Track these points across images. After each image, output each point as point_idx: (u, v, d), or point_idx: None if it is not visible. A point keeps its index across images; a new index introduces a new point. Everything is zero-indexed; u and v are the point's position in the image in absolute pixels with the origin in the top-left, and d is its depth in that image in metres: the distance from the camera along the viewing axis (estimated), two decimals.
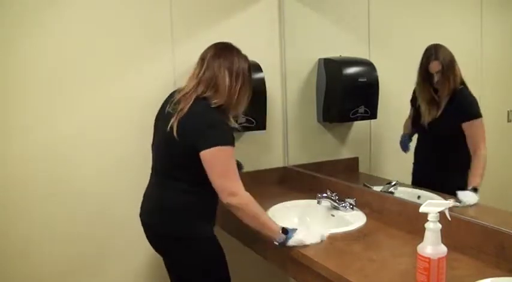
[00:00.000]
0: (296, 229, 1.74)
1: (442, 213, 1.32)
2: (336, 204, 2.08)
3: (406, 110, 2.38)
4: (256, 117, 2.37)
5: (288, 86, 2.63)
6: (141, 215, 1.90)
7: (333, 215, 2.09)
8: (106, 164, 2.26)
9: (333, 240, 1.78)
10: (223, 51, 1.82)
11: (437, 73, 1.98)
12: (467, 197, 1.80)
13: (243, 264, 2.59)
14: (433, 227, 1.30)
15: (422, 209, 1.32)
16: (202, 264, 1.82)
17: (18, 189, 2.13)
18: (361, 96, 2.47)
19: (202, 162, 1.68)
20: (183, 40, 2.34)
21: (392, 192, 2.08)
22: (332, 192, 2.12)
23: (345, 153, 2.67)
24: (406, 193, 2.05)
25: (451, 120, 1.97)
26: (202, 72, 1.78)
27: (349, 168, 2.61)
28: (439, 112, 2.02)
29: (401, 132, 2.35)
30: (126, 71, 2.26)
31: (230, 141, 1.71)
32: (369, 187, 2.20)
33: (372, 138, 2.62)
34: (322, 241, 1.73)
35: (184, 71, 2.33)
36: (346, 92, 2.50)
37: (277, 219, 1.92)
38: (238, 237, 2.28)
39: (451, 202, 1.36)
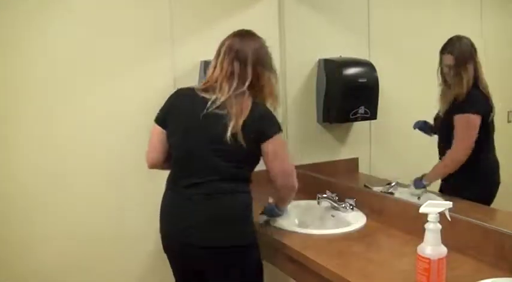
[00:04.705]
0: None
1: (442, 214, 1.32)
2: (336, 204, 2.08)
3: (407, 110, 2.39)
4: None
5: (288, 86, 2.63)
6: (173, 233, 1.72)
7: (333, 216, 2.09)
8: (106, 164, 2.26)
9: (333, 240, 1.78)
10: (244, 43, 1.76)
11: (449, 67, 1.95)
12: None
13: None
14: (433, 227, 1.30)
15: (422, 210, 1.32)
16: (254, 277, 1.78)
17: (19, 189, 2.13)
18: (361, 96, 2.47)
19: (267, 152, 1.68)
20: (183, 40, 2.34)
21: (392, 193, 2.08)
22: (332, 192, 2.12)
23: (345, 154, 2.67)
24: (406, 194, 2.04)
25: (449, 115, 1.96)
26: (238, 70, 1.70)
27: (349, 168, 2.60)
28: (445, 109, 2.01)
29: (401, 132, 2.35)
30: (125, 71, 2.26)
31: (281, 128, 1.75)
32: (369, 188, 2.20)
33: (371, 139, 2.62)
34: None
35: (184, 70, 2.35)
36: (346, 93, 2.49)
37: (278, 220, 1.93)
38: None
39: (450, 203, 1.35)
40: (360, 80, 2.45)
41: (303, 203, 2.19)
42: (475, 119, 1.88)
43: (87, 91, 2.21)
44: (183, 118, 1.73)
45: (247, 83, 1.68)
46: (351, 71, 2.50)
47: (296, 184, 1.77)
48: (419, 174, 2.08)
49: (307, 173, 2.51)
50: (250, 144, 1.65)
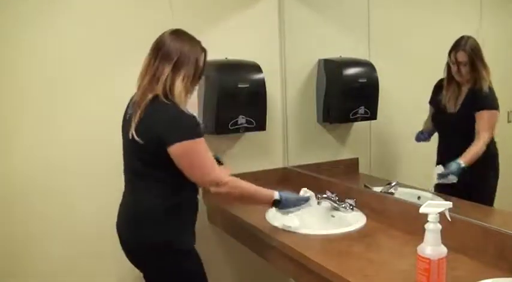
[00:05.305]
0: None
1: (442, 214, 1.32)
2: (336, 205, 2.08)
3: (407, 110, 2.39)
4: (256, 118, 2.37)
5: (288, 86, 2.63)
6: (118, 229, 1.80)
7: (333, 216, 2.08)
8: (106, 163, 2.26)
9: (333, 241, 1.78)
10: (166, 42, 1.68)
11: (463, 64, 1.96)
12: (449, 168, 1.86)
13: (243, 264, 2.59)
14: (433, 227, 1.30)
15: (422, 210, 1.32)
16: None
17: (19, 189, 2.14)
18: (361, 96, 2.47)
19: (173, 158, 1.60)
20: None
21: (392, 193, 2.08)
22: (332, 192, 2.12)
23: (345, 154, 2.67)
24: (406, 194, 2.04)
25: (469, 111, 1.96)
26: (152, 66, 1.67)
27: (349, 168, 2.60)
28: (459, 105, 2.02)
29: (400, 132, 2.34)
30: (125, 71, 2.25)
31: (197, 133, 1.62)
32: (369, 188, 2.20)
33: (371, 139, 2.62)
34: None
35: None
36: (346, 93, 2.50)
37: (278, 220, 1.93)
38: (238, 238, 2.28)
39: (450, 203, 1.35)
40: (360, 80, 2.45)
41: None
42: (498, 115, 1.94)
43: (87, 91, 2.21)
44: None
45: (152, 80, 1.64)
46: (351, 71, 2.50)
47: (225, 189, 1.65)
48: (419, 174, 2.08)
49: (307, 173, 2.52)
50: (154, 147, 1.61)
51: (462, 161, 1.88)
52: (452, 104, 2.04)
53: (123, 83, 2.24)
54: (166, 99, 1.62)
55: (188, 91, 1.68)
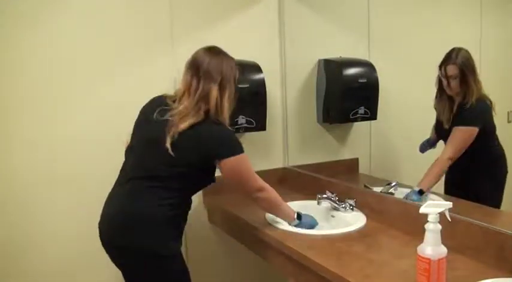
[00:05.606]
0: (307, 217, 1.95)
1: (442, 214, 1.32)
2: (336, 205, 2.08)
3: (406, 110, 2.39)
4: (256, 118, 2.38)
5: (288, 86, 2.63)
6: (102, 227, 1.78)
7: (333, 216, 2.09)
8: (106, 164, 2.25)
9: (333, 241, 1.78)
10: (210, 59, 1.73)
11: (453, 78, 1.93)
12: None
13: (243, 264, 2.59)
14: (433, 227, 1.30)
15: (422, 210, 1.32)
16: None
17: (19, 189, 2.14)
18: (361, 97, 2.47)
19: (223, 171, 1.71)
20: (183, 40, 2.34)
21: (392, 193, 2.08)
22: (332, 193, 2.12)
23: (345, 154, 2.67)
24: (406, 194, 2.04)
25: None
26: (196, 85, 1.71)
27: (349, 169, 2.60)
28: (451, 120, 1.99)
29: (400, 132, 2.34)
30: (125, 71, 2.27)
31: (242, 147, 1.75)
32: (369, 188, 2.20)
33: (372, 139, 2.62)
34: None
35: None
36: (346, 93, 2.50)
37: (278, 220, 1.93)
38: (238, 238, 2.28)
39: (450, 203, 1.35)
40: (360, 80, 2.45)
41: (303, 203, 2.19)
42: (474, 132, 1.89)
43: (87, 91, 2.21)
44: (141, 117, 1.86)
45: (199, 99, 1.68)
46: (351, 71, 2.50)
47: (262, 195, 1.82)
48: (419, 174, 2.08)
49: (307, 173, 2.52)
50: (195, 160, 1.68)
51: (418, 188, 1.94)
52: (446, 118, 2.02)
53: (123, 82, 2.26)
54: (216, 117, 1.69)
55: (231, 109, 1.76)
